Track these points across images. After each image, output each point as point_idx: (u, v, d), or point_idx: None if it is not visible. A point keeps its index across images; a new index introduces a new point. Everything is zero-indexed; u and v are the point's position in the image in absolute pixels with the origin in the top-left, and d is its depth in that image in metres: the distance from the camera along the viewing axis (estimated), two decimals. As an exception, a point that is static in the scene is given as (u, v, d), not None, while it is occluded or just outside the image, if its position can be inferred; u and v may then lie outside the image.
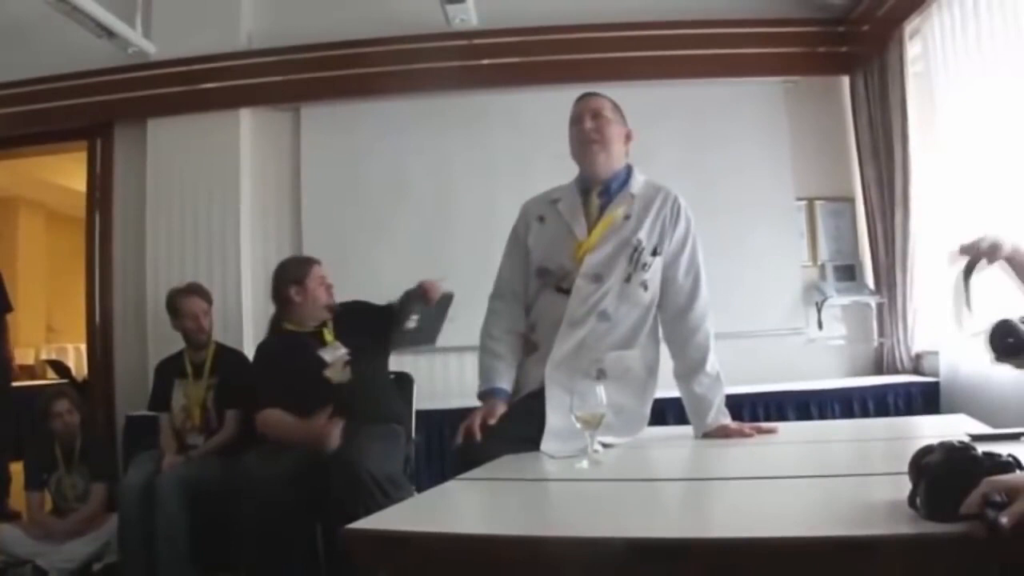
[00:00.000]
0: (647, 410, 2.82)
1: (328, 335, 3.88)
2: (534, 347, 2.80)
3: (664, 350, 2.87)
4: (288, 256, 4.11)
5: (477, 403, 2.72)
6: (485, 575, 1.40)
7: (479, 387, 2.80)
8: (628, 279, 2.71)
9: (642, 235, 2.72)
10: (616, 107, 2.89)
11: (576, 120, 2.83)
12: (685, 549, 1.29)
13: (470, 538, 1.45)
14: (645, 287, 2.74)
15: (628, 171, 2.85)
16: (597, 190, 2.80)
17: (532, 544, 1.38)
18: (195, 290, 4.49)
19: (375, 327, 3.99)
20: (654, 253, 2.74)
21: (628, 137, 2.88)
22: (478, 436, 2.50)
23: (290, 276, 3.97)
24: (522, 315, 2.88)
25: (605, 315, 2.70)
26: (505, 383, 2.75)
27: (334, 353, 3.81)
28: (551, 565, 1.35)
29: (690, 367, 2.78)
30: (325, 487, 3.38)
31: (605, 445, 2.41)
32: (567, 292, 2.70)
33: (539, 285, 2.81)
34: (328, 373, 3.76)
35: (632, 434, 2.71)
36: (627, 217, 2.74)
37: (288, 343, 3.91)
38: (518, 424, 2.54)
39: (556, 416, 2.51)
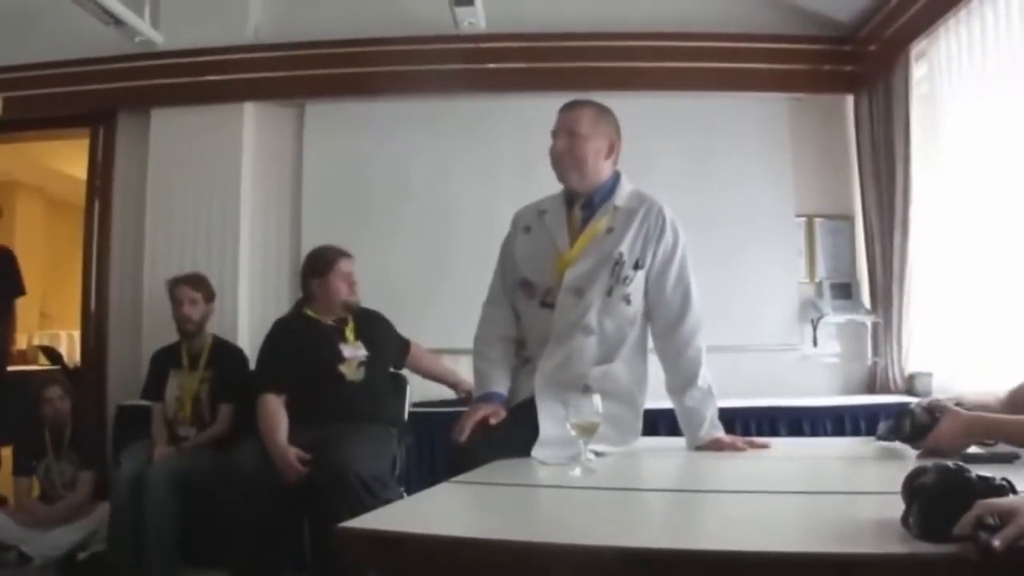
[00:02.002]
0: (639, 422, 2.81)
1: (350, 333, 3.92)
2: (526, 361, 2.80)
3: (655, 363, 2.86)
4: (320, 245, 4.13)
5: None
6: (475, 578, 1.40)
7: (475, 392, 2.78)
8: (610, 293, 2.69)
9: (623, 248, 2.69)
10: (599, 116, 2.79)
11: (553, 135, 2.78)
12: (675, 560, 1.29)
13: (461, 541, 1.44)
14: (628, 301, 2.72)
15: (615, 181, 2.80)
16: (580, 203, 2.78)
17: (522, 550, 1.37)
18: (188, 279, 4.49)
19: (391, 348, 4.07)
20: (636, 267, 2.71)
21: (612, 148, 2.79)
22: (465, 435, 2.48)
23: (313, 268, 4.02)
24: (514, 321, 2.86)
25: (589, 329, 2.68)
26: (502, 387, 2.72)
27: (354, 351, 3.85)
28: (540, 571, 1.35)
29: (682, 382, 2.76)
30: (313, 484, 3.39)
31: (597, 453, 2.41)
32: (552, 307, 2.69)
33: (522, 297, 2.79)
34: (343, 369, 3.80)
35: (625, 444, 2.70)
36: (610, 230, 2.71)
37: (305, 327, 3.95)
38: (510, 431, 2.53)
39: (549, 425, 2.51)
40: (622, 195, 2.77)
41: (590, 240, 2.71)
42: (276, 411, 3.71)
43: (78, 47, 5.41)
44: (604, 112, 2.81)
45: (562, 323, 2.67)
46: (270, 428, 3.64)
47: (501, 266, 2.93)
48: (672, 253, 2.75)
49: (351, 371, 3.81)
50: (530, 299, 2.77)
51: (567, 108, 2.80)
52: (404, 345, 4.17)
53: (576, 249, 2.70)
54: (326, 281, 3.96)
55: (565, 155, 2.73)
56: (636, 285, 2.73)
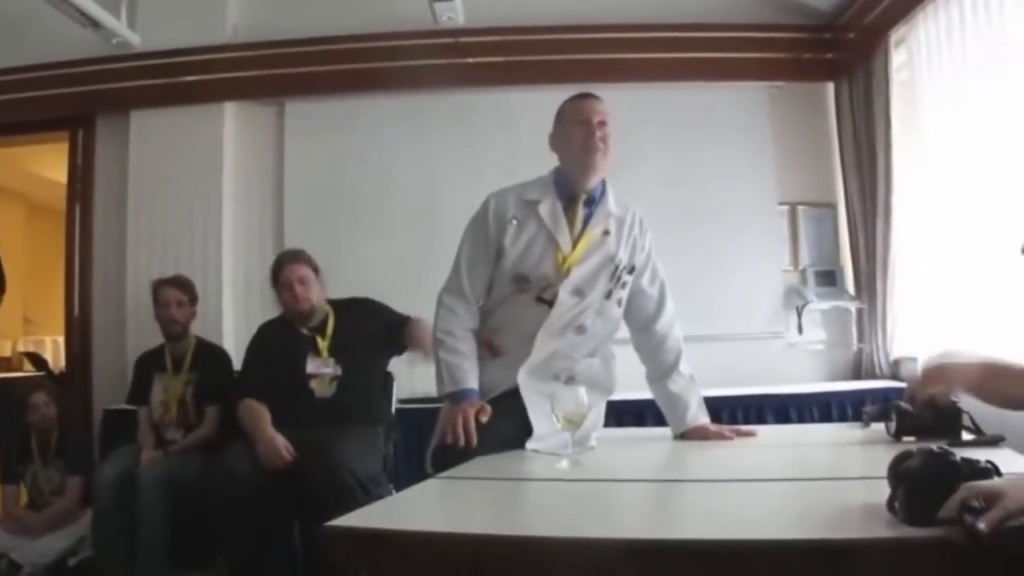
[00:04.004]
0: (603, 406, 2.85)
1: (323, 344, 3.86)
2: (497, 352, 2.76)
3: (632, 356, 2.91)
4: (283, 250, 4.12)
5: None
6: (465, 574, 1.40)
7: (447, 387, 2.66)
8: (608, 296, 2.72)
9: (622, 254, 2.73)
10: None
11: (584, 122, 2.69)
12: (664, 550, 1.29)
13: (450, 537, 1.44)
14: (619, 303, 2.78)
15: (603, 184, 2.79)
16: (583, 199, 2.73)
17: (512, 544, 1.37)
18: (173, 281, 4.48)
19: (380, 336, 3.94)
20: (631, 271, 2.77)
21: None
22: (475, 440, 2.40)
23: (271, 276, 3.99)
24: (477, 315, 2.80)
25: (583, 329, 2.69)
26: (474, 383, 2.65)
27: (320, 368, 3.80)
28: (530, 565, 1.35)
29: (664, 370, 2.82)
30: (305, 484, 3.38)
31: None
32: (547, 303, 2.65)
33: (513, 291, 2.73)
34: (313, 385, 3.75)
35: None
36: (606, 232, 2.72)
37: (284, 333, 3.94)
38: (498, 425, 2.51)
39: (540, 421, 2.51)
40: (612, 200, 2.77)
41: (590, 242, 2.70)
42: (258, 407, 3.72)
43: (55, 50, 5.38)
44: None
45: (558, 320, 2.66)
46: (255, 420, 3.65)
47: (474, 256, 2.79)
48: (650, 253, 2.84)
49: (321, 387, 3.76)
50: (522, 293, 2.71)
51: (593, 97, 2.76)
52: (401, 322, 3.97)
53: (579, 250, 2.68)
54: (278, 291, 3.95)
55: (601, 143, 2.67)
56: (627, 289, 2.78)
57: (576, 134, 2.69)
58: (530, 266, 2.70)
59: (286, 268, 3.92)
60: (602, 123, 2.69)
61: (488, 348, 2.77)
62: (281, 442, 3.52)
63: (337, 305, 4.01)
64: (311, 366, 3.80)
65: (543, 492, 1.98)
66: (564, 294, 2.65)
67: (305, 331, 3.90)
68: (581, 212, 2.73)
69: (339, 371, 3.79)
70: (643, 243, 2.81)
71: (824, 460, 2.35)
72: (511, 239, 2.71)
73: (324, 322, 3.92)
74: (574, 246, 2.68)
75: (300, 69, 5.39)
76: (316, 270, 3.98)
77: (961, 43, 4.05)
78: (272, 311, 4.13)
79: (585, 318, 2.68)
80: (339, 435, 3.47)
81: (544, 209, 2.71)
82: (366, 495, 3.16)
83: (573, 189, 2.74)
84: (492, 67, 5.33)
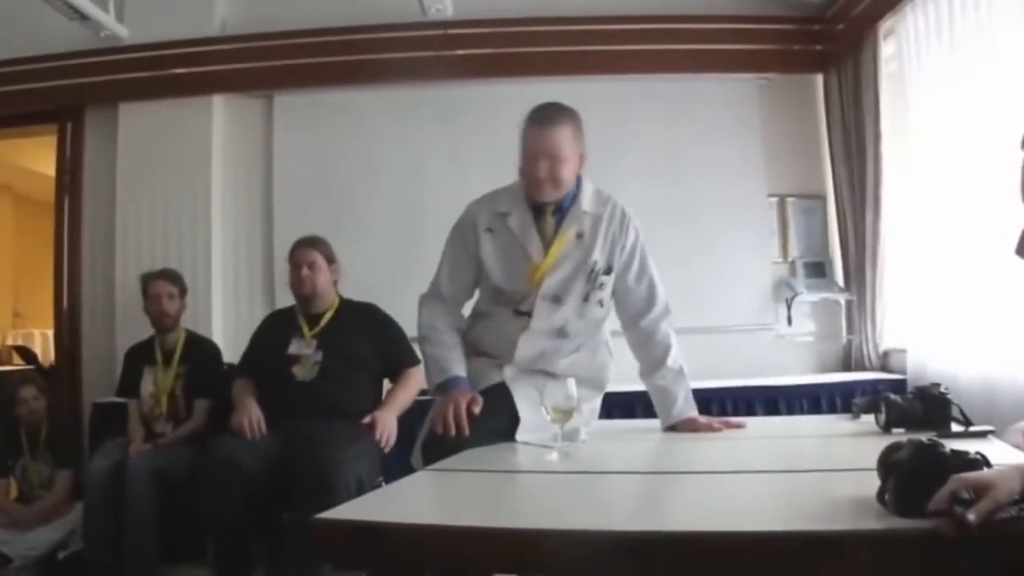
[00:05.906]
0: (597, 402, 2.90)
1: (308, 326, 3.86)
2: (484, 354, 2.82)
3: (623, 350, 2.93)
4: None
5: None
6: (455, 566, 1.40)
7: (436, 378, 2.73)
8: (586, 299, 2.74)
9: (596, 255, 2.72)
10: (576, 132, 2.68)
11: (531, 158, 2.63)
12: (653, 542, 1.30)
13: (441, 529, 1.44)
14: (601, 304, 2.79)
15: (578, 183, 2.76)
16: (551, 210, 2.72)
17: (503, 536, 1.38)
18: (163, 274, 4.46)
19: (374, 349, 3.88)
20: (608, 272, 2.76)
21: (582, 160, 2.72)
22: (467, 431, 2.44)
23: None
24: (460, 317, 2.90)
25: (564, 332, 2.74)
26: (462, 371, 2.71)
27: (302, 349, 3.79)
28: (521, 557, 1.35)
29: (652, 364, 2.83)
30: (295, 480, 3.35)
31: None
32: (526, 315, 2.71)
33: (492, 304, 2.82)
34: (294, 369, 3.75)
35: (587, 424, 2.73)
36: (580, 235, 2.72)
37: (283, 320, 3.98)
38: (486, 417, 2.53)
39: (527, 412, 2.55)
40: (587, 198, 2.76)
41: (563, 247, 2.71)
42: (245, 384, 3.83)
43: (43, 43, 5.35)
44: (577, 124, 2.70)
45: (539, 328, 2.71)
46: (240, 395, 3.76)
47: (454, 264, 2.85)
48: (634, 249, 2.80)
49: (302, 371, 3.75)
50: (501, 306, 2.79)
51: (545, 126, 2.63)
52: (401, 361, 3.90)
53: (551, 257, 2.70)
54: (290, 273, 3.97)
55: (547, 181, 2.63)
56: (607, 289, 2.78)
57: (527, 166, 2.67)
58: (505, 279, 2.76)
59: (298, 251, 3.96)
60: (553, 157, 2.61)
61: (475, 353, 2.83)
62: (255, 415, 3.61)
63: (346, 303, 4.00)
64: (293, 347, 3.80)
65: (534, 485, 1.99)
66: (541, 303, 2.69)
67: (301, 317, 3.90)
68: (551, 220, 2.74)
69: (319, 357, 3.77)
70: (624, 241, 2.76)
71: (814, 452, 2.36)
72: (487, 250, 2.77)
73: (324, 312, 3.92)
74: (546, 254, 2.70)
75: (288, 61, 5.35)
76: (330, 259, 3.98)
77: (949, 34, 4.04)
78: (261, 303, 4.12)
79: (565, 323, 2.73)
80: (332, 431, 3.46)
81: (513, 221, 2.74)
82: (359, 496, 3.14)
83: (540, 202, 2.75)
84: (481, 59, 5.30)
